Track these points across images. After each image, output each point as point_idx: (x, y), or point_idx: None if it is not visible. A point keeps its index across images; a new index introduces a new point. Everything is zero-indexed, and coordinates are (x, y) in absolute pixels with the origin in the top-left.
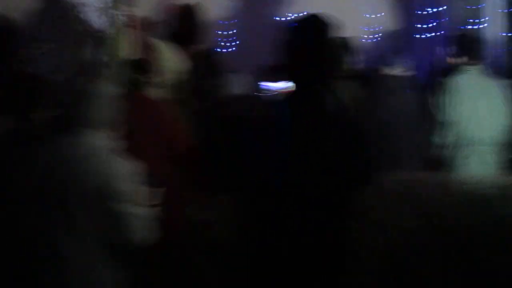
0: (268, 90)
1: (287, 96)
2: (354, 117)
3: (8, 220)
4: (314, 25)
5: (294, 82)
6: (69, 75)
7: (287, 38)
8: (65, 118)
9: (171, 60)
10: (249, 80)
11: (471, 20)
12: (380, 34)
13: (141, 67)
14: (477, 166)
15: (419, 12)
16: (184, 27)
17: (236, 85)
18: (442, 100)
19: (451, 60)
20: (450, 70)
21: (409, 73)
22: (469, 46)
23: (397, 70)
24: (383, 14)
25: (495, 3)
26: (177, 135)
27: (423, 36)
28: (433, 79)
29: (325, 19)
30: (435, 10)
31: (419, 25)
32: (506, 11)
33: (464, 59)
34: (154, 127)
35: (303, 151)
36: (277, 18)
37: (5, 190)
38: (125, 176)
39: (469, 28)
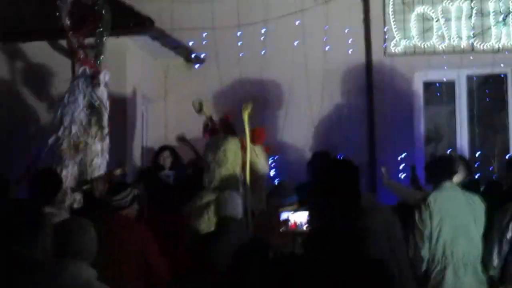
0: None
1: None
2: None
3: None
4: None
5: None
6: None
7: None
8: (57, 249)
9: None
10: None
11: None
12: None
13: (119, 186)
14: (455, 282)
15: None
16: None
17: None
18: (424, 216)
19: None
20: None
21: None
22: (447, 165)
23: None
24: None
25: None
26: (159, 261)
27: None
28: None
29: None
30: None
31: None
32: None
33: (443, 176)
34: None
35: None
36: None
37: None
38: None
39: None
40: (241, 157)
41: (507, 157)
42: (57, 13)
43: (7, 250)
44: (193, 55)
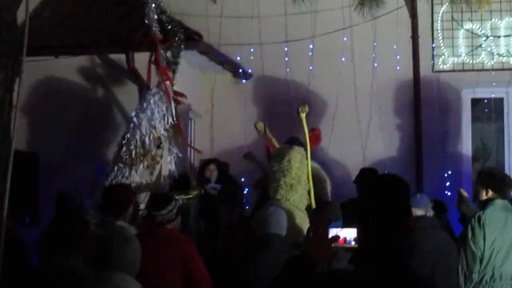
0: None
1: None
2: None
3: None
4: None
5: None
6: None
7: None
8: (100, 261)
9: None
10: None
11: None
12: None
13: (162, 201)
14: None
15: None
16: None
17: None
18: (477, 236)
19: (481, 196)
20: (481, 205)
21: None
22: (494, 182)
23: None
24: None
25: None
26: (203, 275)
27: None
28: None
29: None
30: None
31: None
32: None
33: (490, 193)
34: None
35: None
36: None
37: None
38: None
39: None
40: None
41: None
42: (147, 24)
43: (52, 262)
44: (240, 70)
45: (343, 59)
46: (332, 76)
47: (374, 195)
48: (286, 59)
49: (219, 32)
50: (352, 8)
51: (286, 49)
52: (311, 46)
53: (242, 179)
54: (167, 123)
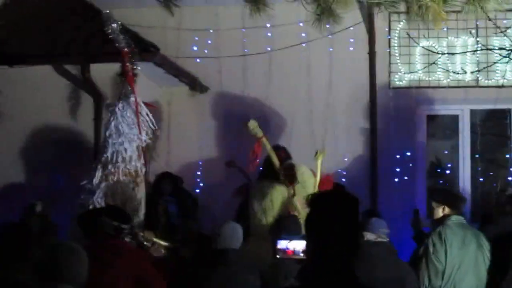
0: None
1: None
2: None
3: None
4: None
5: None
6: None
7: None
8: (46, 273)
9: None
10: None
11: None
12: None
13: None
14: None
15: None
16: None
17: None
18: (435, 249)
19: (436, 213)
20: (438, 222)
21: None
22: (449, 198)
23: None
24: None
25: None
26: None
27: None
28: (420, 232)
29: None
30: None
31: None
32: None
33: (446, 210)
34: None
35: None
36: None
37: None
38: None
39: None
40: (287, 205)
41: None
42: (113, 37)
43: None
44: (197, 83)
45: (301, 73)
46: (289, 90)
47: (321, 209)
48: (244, 73)
49: (176, 45)
50: (309, 23)
51: (243, 62)
52: (268, 60)
53: (197, 191)
54: (147, 135)
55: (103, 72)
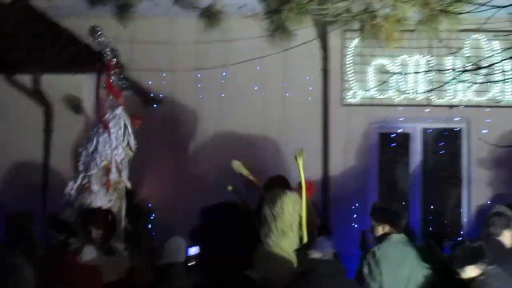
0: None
1: None
2: None
3: None
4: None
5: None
6: None
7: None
8: None
9: None
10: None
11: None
12: None
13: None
14: None
15: None
16: None
17: None
18: (370, 270)
19: (376, 231)
20: (378, 240)
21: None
22: (390, 217)
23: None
24: None
25: None
26: None
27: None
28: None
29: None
30: None
31: None
32: None
33: (386, 228)
34: None
35: None
36: None
37: None
38: None
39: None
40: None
41: None
42: (100, 49)
43: None
44: (151, 95)
45: (255, 87)
46: (244, 104)
47: (211, 220)
48: (199, 85)
49: (130, 57)
50: (263, 38)
51: (198, 75)
52: (223, 74)
53: (150, 205)
54: (130, 146)
55: (53, 83)
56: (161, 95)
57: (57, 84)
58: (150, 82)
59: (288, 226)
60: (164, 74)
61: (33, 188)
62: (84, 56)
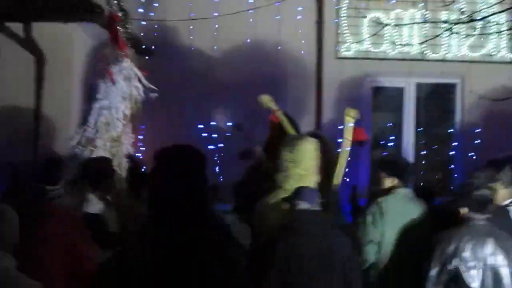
0: None
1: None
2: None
3: None
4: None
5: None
6: None
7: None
8: None
9: None
10: None
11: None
12: None
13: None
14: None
15: None
16: None
17: None
18: (369, 221)
19: (384, 183)
20: (380, 193)
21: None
22: (399, 171)
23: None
24: None
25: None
26: (87, 254)
27: None
28: (356, 206)
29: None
30: None
31: None
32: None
33: (395, 182)
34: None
35: None
36: None
37: None
38: None
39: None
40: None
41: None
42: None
43: None
44: (143, 47)
45: (248, 40)
46: (236, 57)
47: (164, 163)
48: (190, 37)
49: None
50: None
51: (190, 27)
52: (216, 26)
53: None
54: (134, 101)
55: (45, 32)
56: (152, 47)
57: (49, 33)
58: (142, 34)
59: (307, 172)
60: (156, 26)
61: (24, 136)
62: (76, 5)
